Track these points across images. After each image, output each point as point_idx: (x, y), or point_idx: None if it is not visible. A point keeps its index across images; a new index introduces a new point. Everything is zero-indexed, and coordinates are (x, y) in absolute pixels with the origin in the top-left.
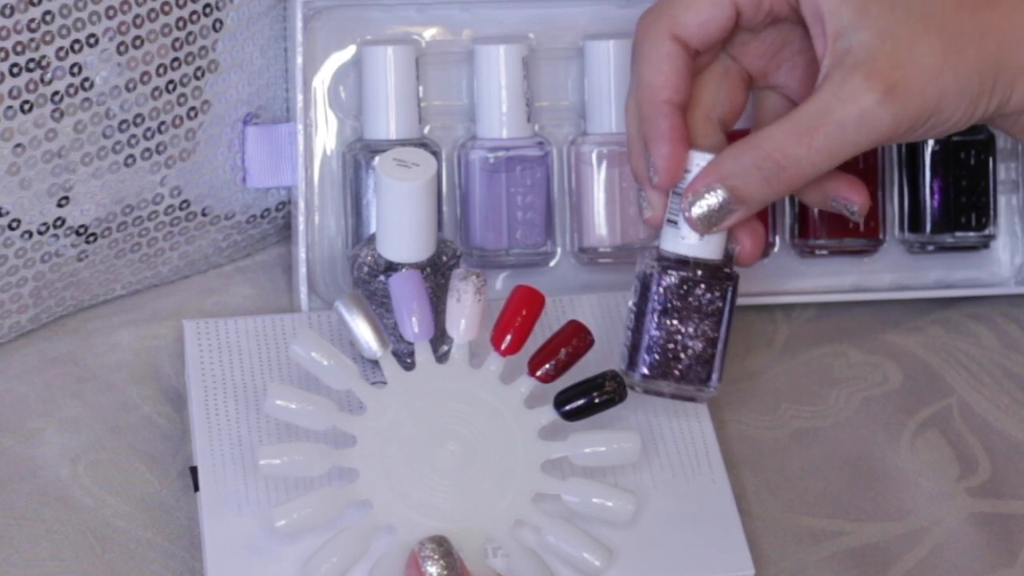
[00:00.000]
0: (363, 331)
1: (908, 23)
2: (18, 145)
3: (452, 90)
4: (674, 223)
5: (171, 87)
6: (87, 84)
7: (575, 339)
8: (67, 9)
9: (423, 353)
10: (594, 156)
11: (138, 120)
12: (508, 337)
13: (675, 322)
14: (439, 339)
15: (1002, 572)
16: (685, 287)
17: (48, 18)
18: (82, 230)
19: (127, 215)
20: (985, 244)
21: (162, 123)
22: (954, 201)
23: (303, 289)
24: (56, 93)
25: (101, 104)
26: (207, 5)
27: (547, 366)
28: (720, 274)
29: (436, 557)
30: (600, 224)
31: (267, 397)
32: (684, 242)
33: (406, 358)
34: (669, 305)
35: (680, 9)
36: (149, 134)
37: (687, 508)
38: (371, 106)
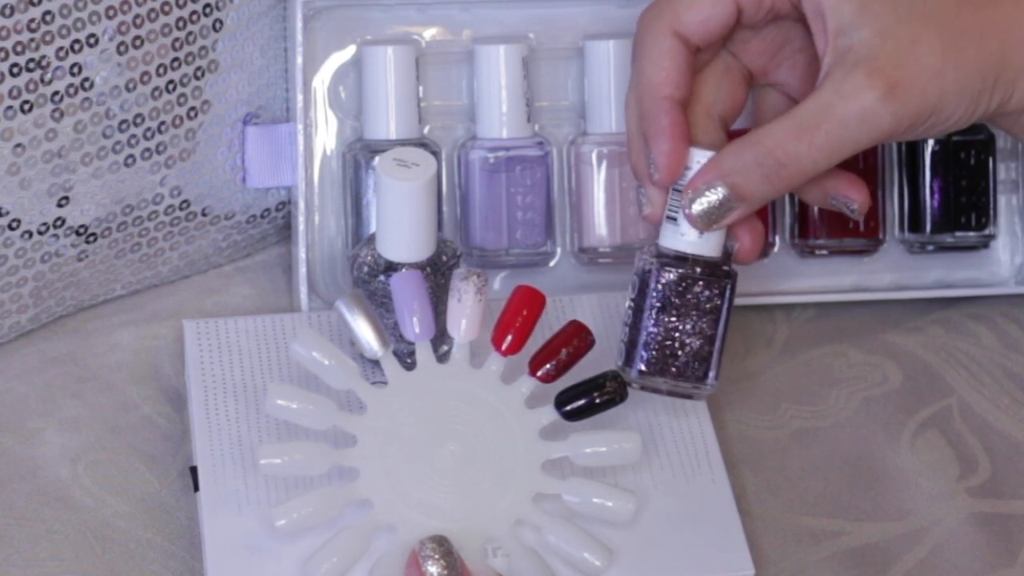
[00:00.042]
0: (364, 331)
1: (909, 21)
2: (18, 145)
3: (452, 90)
4: (674, 220)
5: (171, 87)
6: (87, 84)
7: (576, 339)
8: (67, 9)
9: (424, 353)
10: (594, 156)
11: (138, 120)
12: (509, 337)
13: (673, 319)
14: (439, 339)
15: (1002, 572)
16: (684, 284)
17: (48, 18)
18: (82, 230)
19: (127, 215)
20: (985, 244)
21: (162, 123)
22: (954, 201)
23: (303, 289)
24: (56, 93)
25: (101, 104)
26: (207, 5)
27: (548, 366)
28: (719, 271)
29: (436, 556)
30: (600, 224)
31: (268, 396)
32: (683, 239)
33: (406, 358)
34: (667, 302)
35: (681, 6)
36: (149, 134)
37: (687, 508)
38: (371, 106)
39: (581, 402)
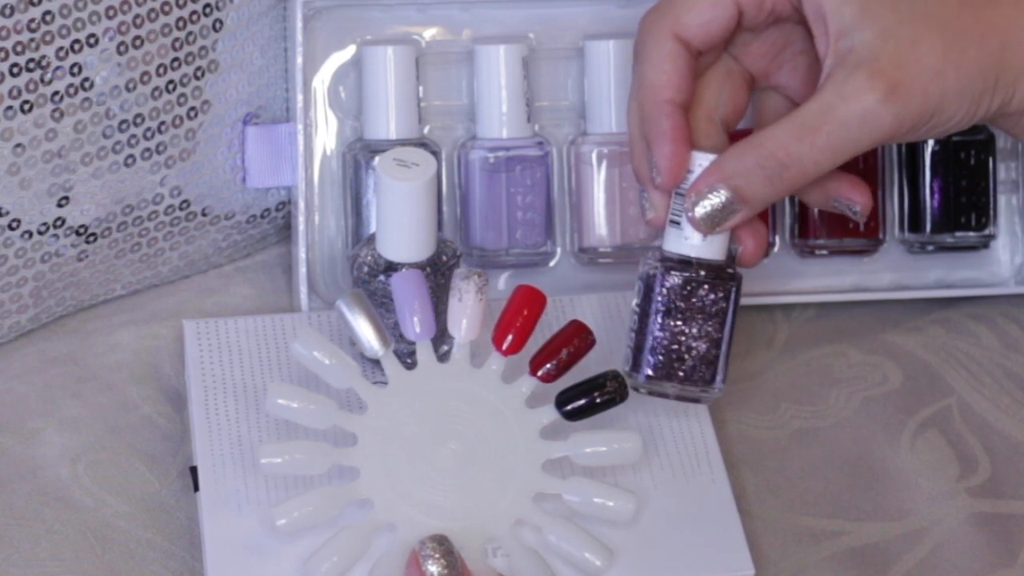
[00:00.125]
0: (364, 330)
1: (910, 22)
2: (18, 145)
3: (452, 90)
4: (677, 224)
5: (171, 87)
6: (87, 84)
7: (576, 339)
8: (67, 9)
9: (424, 352)
10: (594, 156)
11: (138, 120)
12: (509, 337)
13: (679, 323)
14: (440, 338)
15: (1002, 572)
16: (688, 288)
17: (48, 18)
18: (82, 230)
19: (127, 215)
20: (985, 244)
21: (162, 123)
22: (954, 201)
23: (303, 289)
24: (56, 93)
25: (101, 104)
26: (207, 5)
27: (548, 366)
28: (723, 274)
29: (437, 556)
30: (600, 224)
31: (268, 396)
32: (687, 243)
33: (407, 357)
34: (672, 306)
35: (682, 9)
36: (149, 134)
37: (687, 508)
38: (371, 106)
39: (581, 402)
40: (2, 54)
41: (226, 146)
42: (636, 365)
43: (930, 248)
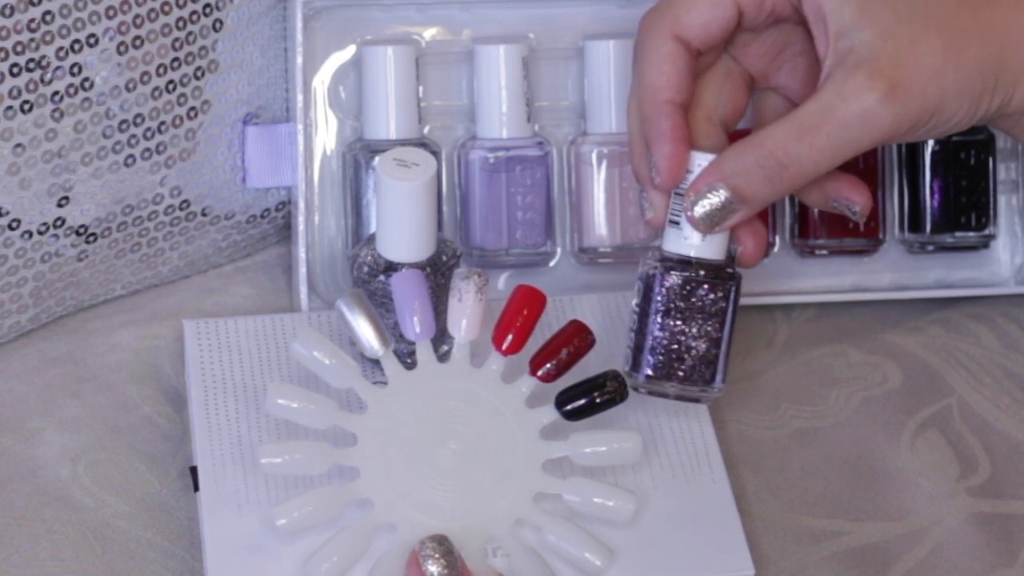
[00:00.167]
0: (365, 330)
1: (910, 22)
2: (18, 145)
3: (452, 90)
4: (676, 224)
5: (171, 87)
6: (87, 84)
7: (576, 339)
8: (67, 9)
9: (424, 352)
10: (594, 156)
11: (138, 120)
12: (509, 337)
13: (678, 323)
14: (440, 338)
15: (1002, 572)
16: (688, 288)
17: (48, 18)
18: (82, 230)
19: (127, 215)
20: (985, 244)
21: (162, 123)
22: (954, 201)
23: (303, 289)
24: (56, 93)
25: (101, 104)
26: (207, 5)
27: (548, 366)
28: (723, 274)
29: (437, 556)
30: (600, 224)
31: (268, 395)
32: (686, 242)
33: (407, 357)
34: (672, 306)
35: (682, 9)
36: (149, 134)
37: (687, 508)
38: (371, 106)
39: (581, 402)
40: (2, 54)
41: (226, 146)
42: (636, 365)
43: (930, 248)
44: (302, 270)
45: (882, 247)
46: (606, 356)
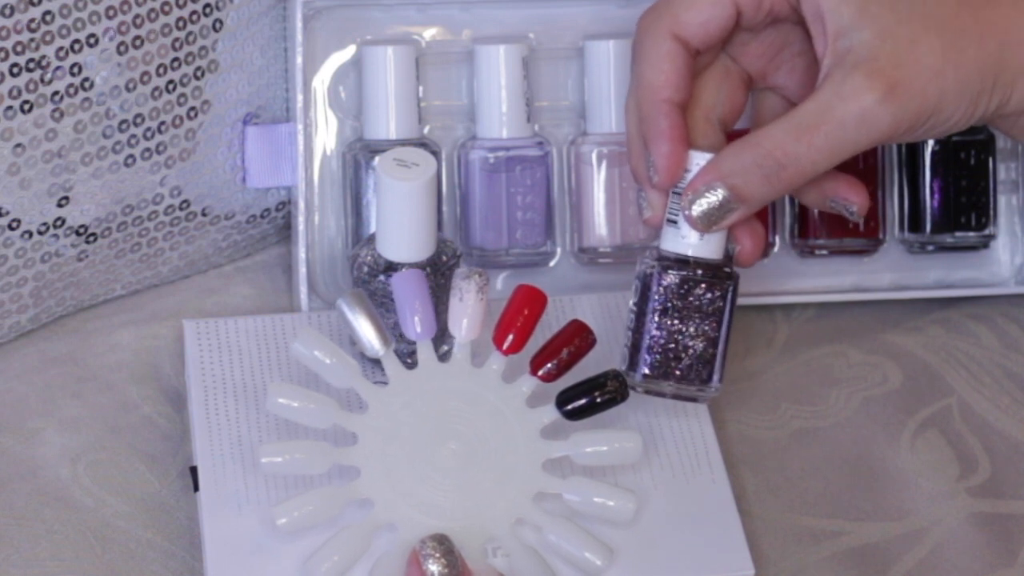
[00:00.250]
0: (365, 329)
1: (909, 22)
2: (18, 145)
3: (452, 90)
4: (674, 223)
5: (171, 87)
6: (87, 84)
7: (577, 339)
8: (67, 9)
9: (425, 352)
10: (594, 156)
11: (138, 120)
12: (510, 336)
13: (676, 322)
14: (440, 338)
15: (1002, 572)
16: (685, 287)
17: (48, 18)
18: (82, 230)
19: (127, 215)
20: (985, 244)
21: (162, 123)
22: (954, 201)
23: (303, 289)
24: (56, 93)
25: (101, 104)
26: (207, 5)
27: (549, 365)
28: (721, 273)
29: (437, 555)
30: (600, 224)
31: (268, 395)
32: (684, 242)
33: (407, 357)
34: (669, 305)
35: (681, 8)
36: (149, 134)
37: (687, 508)
38: (371, 106)
39: (582, 401)
40: (2, 54)
41: (226, 146)
42: (633, 364)
43: (930, 248)
44: (302, 270)
45: (882, 247)
46: (606, 356)
